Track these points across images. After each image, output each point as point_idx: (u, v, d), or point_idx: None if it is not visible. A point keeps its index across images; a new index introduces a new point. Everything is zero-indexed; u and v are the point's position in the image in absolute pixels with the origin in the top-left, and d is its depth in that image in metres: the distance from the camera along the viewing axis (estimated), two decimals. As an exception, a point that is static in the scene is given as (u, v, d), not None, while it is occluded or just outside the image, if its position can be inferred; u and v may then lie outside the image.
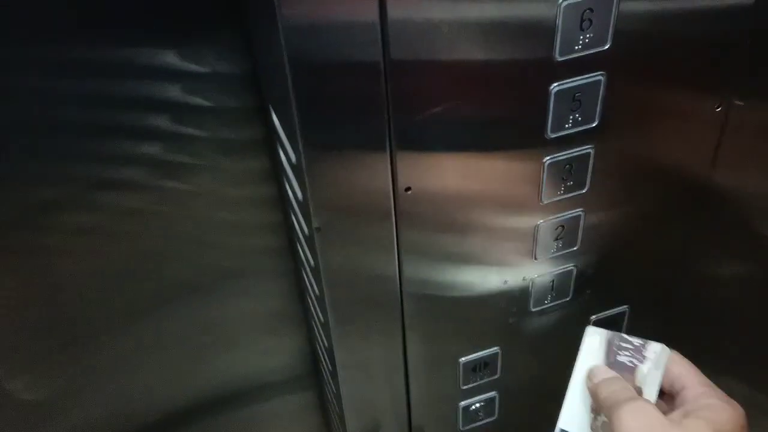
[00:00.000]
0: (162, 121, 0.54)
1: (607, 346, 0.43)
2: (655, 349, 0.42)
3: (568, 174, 0.43)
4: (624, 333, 0.44)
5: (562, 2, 0.36)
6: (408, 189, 0.41)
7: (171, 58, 0.52)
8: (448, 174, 0.41)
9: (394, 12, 0.34)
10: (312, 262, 0.46)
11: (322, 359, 0.58)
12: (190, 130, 0.55)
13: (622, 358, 0.42)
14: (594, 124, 0.41)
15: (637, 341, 0.43)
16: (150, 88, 0.52)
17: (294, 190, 0.44)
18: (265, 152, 0.55)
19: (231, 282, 0.64)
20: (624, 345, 0.43)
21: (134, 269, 0.60)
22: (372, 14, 0.34)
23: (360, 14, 0.33)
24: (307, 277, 0.52)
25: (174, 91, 0.53)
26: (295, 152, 0.40)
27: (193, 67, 0.53)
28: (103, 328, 0.62)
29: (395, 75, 0.36)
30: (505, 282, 0.48)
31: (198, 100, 0.54)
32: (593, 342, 0.44)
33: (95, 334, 0.62)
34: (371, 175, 0.40)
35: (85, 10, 0.46)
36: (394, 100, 0.37)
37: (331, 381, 0.55)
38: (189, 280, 0.63)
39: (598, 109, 0.41)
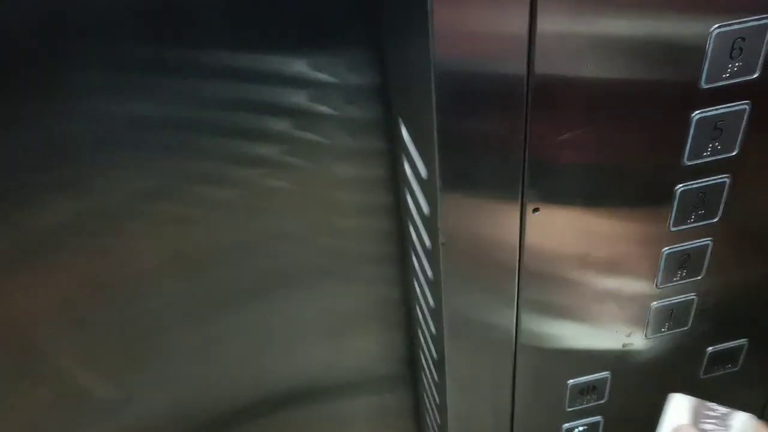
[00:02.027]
0: (283, 125, 0.56)
1: (692, 413, 0.42)
2: (742, 419, 0.41)
3: (701, 202, 0.42)
4: (708, 401, 0.43)
5: (714, 30, 0.35)
6: (536, 210, 0.41)
7: (300, 67, 0.54)
8: (577, 194, 0.41)
9: (543, 26, 0.34)
10: (431, 275, 0.47)
11: (426, 368, 0.59)
12: (309, 135, 0.57)
13: (707, 426, 0.41)
14: (733, 154, 0.40)
15: (723, 410, 0.42)
16: (275, 94, 0.54)
17: (418, 203, 0.45)
18: (383, 162, 0.56)
19: (329, 280, 0.65)
20: (709, 413, 0.42)
21: (230, 261, 0.62)
22: (521, 28, 0.34)
23: (509, 27, 0.34)
24: (421, 287, 0.52)
25: (299, 98, 0.55)
26: (427, 167, 0.41)
27: (321, 76, 0.54)
28: (187, 319, 0.64)
29: (537, 89, 0.36)
30: (623, 307, 0.47)
31: (322, 108, 0.56)
32: (678, 408, 0.43)
33: (180, 325, 0.65)
34: (501, 193, 0.40)
35: (231, 19, 0.49)
36: (533, 116, 0.37)
37: (434, 391, 0.56)
38: (286, 274, 0.64)
39: (740, 138, 0.40)
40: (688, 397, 0.43)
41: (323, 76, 0.53)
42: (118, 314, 0.62)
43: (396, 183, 0.56)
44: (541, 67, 0.35)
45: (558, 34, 0.34)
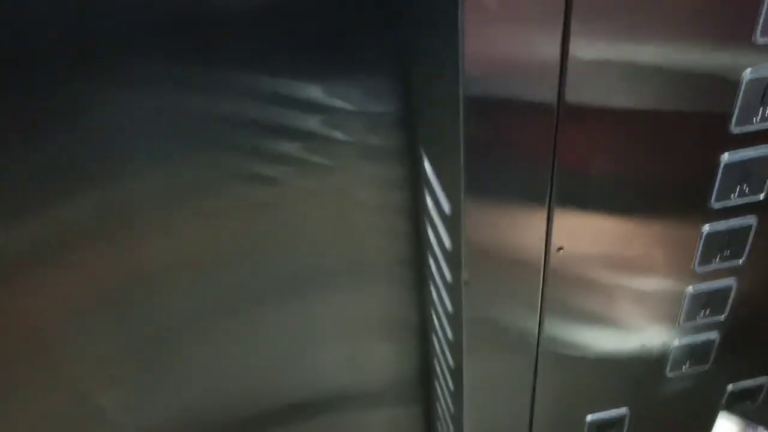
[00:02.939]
0: (295, 148, 0.56)
1: None
2: None
3: (726, 244, 0.42)
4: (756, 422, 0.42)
5: (745, 76, 0.35)
6: (560, 249, 0.40)
7: (316, 93, 0.53)
8: (602, 234, 0.41)
9: (576, 52, 0.33)
10: (451, 309, 0.46)
11: (441, 377, 0.58)
12: (326, 161, 0.57)
13: None
14: (761, 197, 0.40)
15: None
16: (291, 118, 0.54)
17: (440, 237, 0.45)
18: (401, 191, 0.56)
19: (345, 282, 0.65)
20: None
21: (244, 262, 0.61)
22: (554, 54, 0.33)
23: (541, 53, 0.33)
24: (440, 321, 0.52)
25: (314, 123, 0.55)
26: (450, 201, 0.41)
27: (338, 103, 0.54)
28: (201, 324, 0.64)
29: (566, 120, 0.35)
30: (644, 345, 0.46)
31: (338, 134, 0.56)
32: (725, 428, 0.42)
33: (194, 330, 0.64)
34: (526, 231, 0.39)
35: (255, 42, 0.48)
36: (561, 150, 0.36)
37: (449, 400, 0.56)
38: (298, 275, 0.63)
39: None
40: (737, 418, 0.42)
41: (340, 103, 0.53)
42: (132, 317, 0.62)
43: (415, 184, 0.55)
44: (571, 95, 0.34)
45: (590, 61, 0.34)
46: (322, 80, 0.52)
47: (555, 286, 0.42)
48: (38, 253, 0.55)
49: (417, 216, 0.55)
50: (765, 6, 0.32)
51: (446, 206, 0.42)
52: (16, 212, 0.53)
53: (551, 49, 0.33)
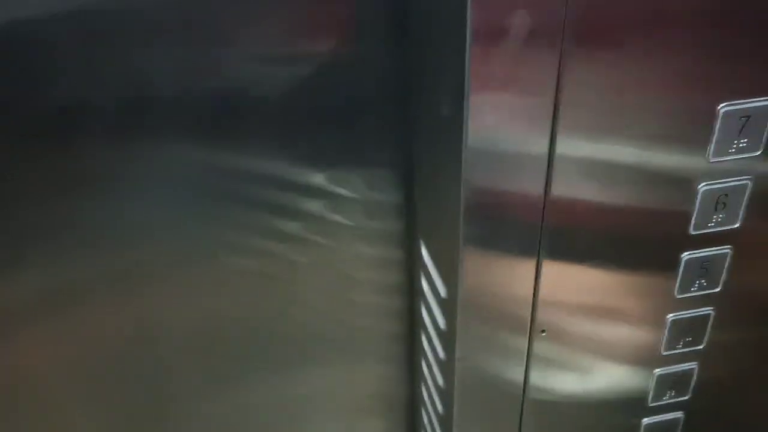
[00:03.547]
0: (295, 228, 0.60)
1: None
2: None
3: (687, 333, 0.48)
4: None
5: (701, 187, 0.41)
6: (543, 331, 0.45)
7: (318, 179, 0.58)
8: (581, 313, 0.46)
9: (561, 147, 0.39)
10: (443, 384, 0.50)
11: None
12: (327, 241, 0.61)
13: None
14: (717, 289, 0.46)
15: None
16: (290, 200, 0.58)
17: (435, 318, 0.50)
18: (396, 272, 0.61)
19: (339, 356, 0.67)
20: None
21: (241, 332, 0.63)
22: (542, 150, 0.39)
23: (532, 144, 0.39)
24: (430, 395, 0.56)
25: (315, 207, 0.59)
26: (447, 285, 0.46)
27: (339, 190, 0.59)
28: (196, 390, 0.66)
29: (552, 211, 0.41)
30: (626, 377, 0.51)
31: (338, 218, 0.61)
32: None
33: (189, 396, 0.66)
34: (514, 313, 0.45)
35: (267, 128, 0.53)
36: (546, 238, 0.42)
37: None
38: (294, 347, 0.66)
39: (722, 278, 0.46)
40: None
41: (340, 190, 0.58)
42: (128, 381, 0.63)
43: (409, 266, 0.59)
44: (557, 189, 0.40)
45: (573, 155, 0.40)
46: (329, 168, 0.57)
47: (539, 361, 0.47)
48: (40, 311, 0.57)
49: (410, 295, 0.60)
50: (715, 134, 0.39)
51: (443, 290, 0.47)
52: (23, 268, 0.55)
53: (540, 148, 0.39)
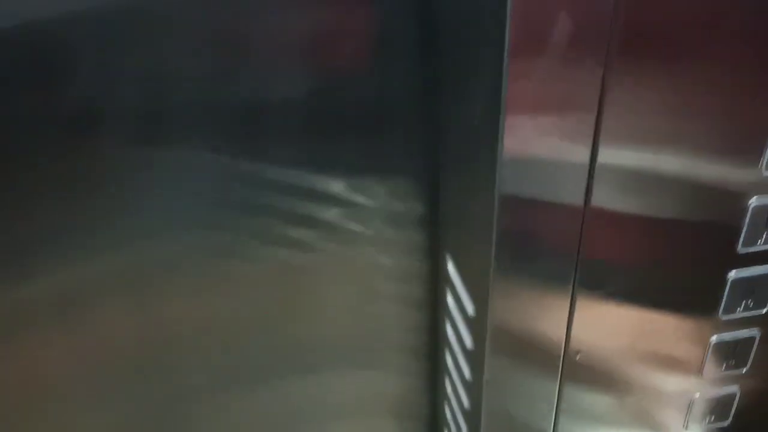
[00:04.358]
0: (315, 236, 0.58)
1: None
2: None
3: (732, 353, 0.45)
4: None
5: (752, 202, 0.39)
6: (578, 352, 0.43)
7: (338, 187, 0.56)
8: (617, 339, 0.43)
9: (603, 158, 0.36)
10: (468, 406, 0.48)
11: None
12: (347, 251, 0.59)
13: None
14: (764, 311, 0.43)
15: None
16: (310, 208, 0.57)
17: (461, 336, 0.47)
18: (418, 286, 0.58)
19: (359, 368, 0.65)
20: None
21: (258, 334, 0.61)
22: (584, 157, 0.36)
23: (572, 157, 0.36)
24: (453, 415, 0.53)
25: (335, 215, 0.57)
26: (475, 303, 0.43)
27: (360, 198, 0.57)
28: (205, 398, 0.64)
29: (592, 223, 0.38)
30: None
31: (358, 227, 0.58)
32: None
33: (197, 404, 0.64)
34: (547, 330, 0.42)
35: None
36: (584, 248, 0.39)
37: None
38: (314, 353, 0.64)
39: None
40: None
41: (362, 199, 0.56)
42: (141, 387, 0.62)
43: (433, 280, 0.57)
44: (598, 199, 0.37)
45: (616, 165, 0.37)
46: (350, 176, 0.55)
47: (572, 385, 0.44)
48: (51, 314, 0.56)
49: (433, 310, 0.58)
50: (770, 146, 0.36)
51: (470, 307, 0.44)
52: (34, 271, 0.54)
53: (582, 157, 0.36)
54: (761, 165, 0.37)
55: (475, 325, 0.44)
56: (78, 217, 0.52)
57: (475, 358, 0.45)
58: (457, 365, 0.50)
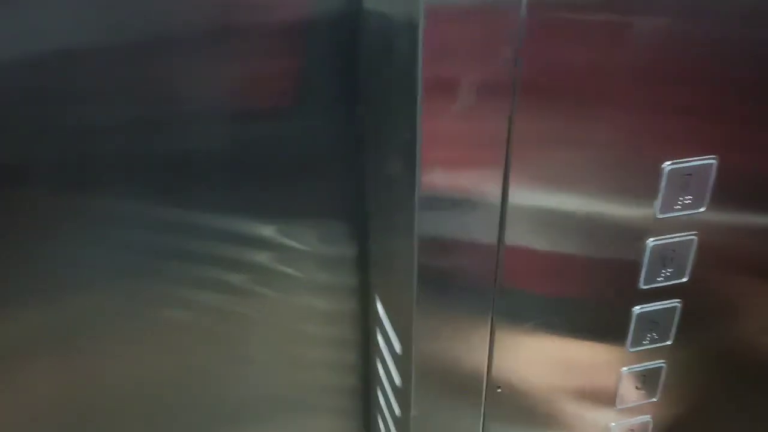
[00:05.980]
0: (245, 281, 0.59)
1: None
2: None
3: (642, 384, 0.48)
4: None
5: (649, 242, 0.42)
6: (498, 388, 0.45)
7: (269, 232, 0.58)
8: (536, 373, 0.46)
9: (514, 199, 0.39)
10: (398, 413, 0.49)
11: None
12: (278, 295, 0.60)
13: None
14: (668, 342, 0.46)
15: None
16: (242, 253, 0.57)
17: (390, 374, 0.49)
18: (350, 327, 0.60)
19: (292, 413, 0.65)
20: None
21: (191, 388, 0.62)
22: (495, 199, 0.39)
23: (484, 199, 0.39)
24: (385, 423, 0.55)
25: (265, 259, 0.58)
26: (402, 342, 0.45)
27: (290, 242, 0.58)
28: None
29: (506, 260, 0.41)
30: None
31: (289, 270, 0.60)
32: None
33: None
34: (469, 367, 0.44)
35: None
36: (501, 283, 0.42)
37: None
38: (245, 403, 0.64)
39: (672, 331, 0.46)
40: None
41: (294, 243, 0.57)
42: None
43: (365, 319, 0.59)
44: (510, 237, 0.40)
45: (526, 205, 0.40)
46: (280, 221, 0.56)
47: (495, 419, 0.46)
48: None
49: (365, 350, 0.59)
50: (661, 190, 0.40)
51: (397, 345, 0.46)
52: None
53: (493, 198, 0.39)
54: (655, 209, 0.41)
55: (403, 362, 0.46)
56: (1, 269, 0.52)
57: (403, 394, 0.47)
58: (388, 403, 0.52)
